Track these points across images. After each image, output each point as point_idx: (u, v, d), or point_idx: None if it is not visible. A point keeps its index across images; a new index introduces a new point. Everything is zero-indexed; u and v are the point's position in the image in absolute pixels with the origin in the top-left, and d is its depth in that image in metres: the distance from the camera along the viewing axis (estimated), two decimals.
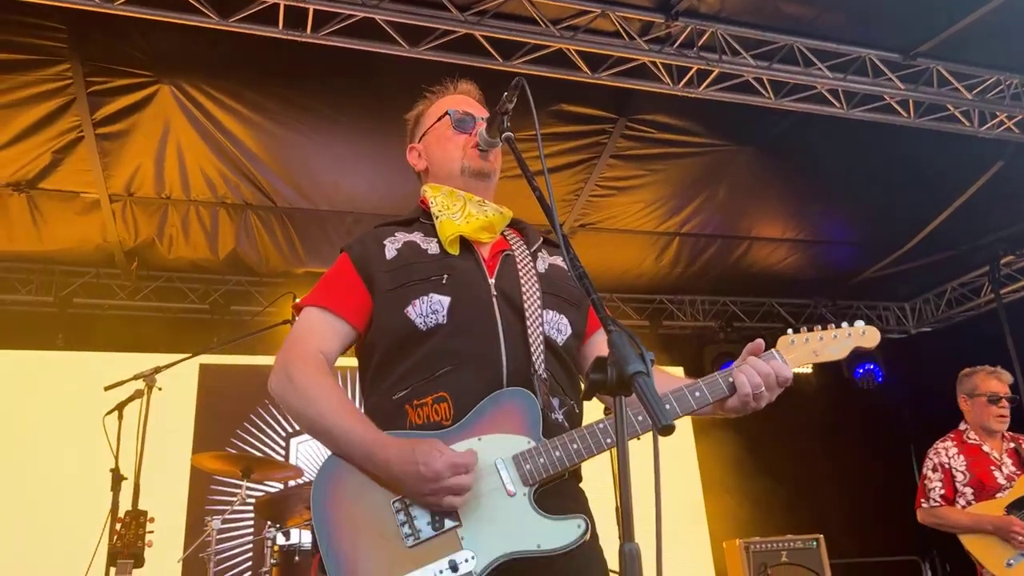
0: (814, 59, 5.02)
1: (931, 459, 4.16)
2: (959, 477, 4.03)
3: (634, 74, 4.92)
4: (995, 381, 4.16)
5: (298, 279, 6.68)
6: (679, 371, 7.82)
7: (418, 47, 4.47)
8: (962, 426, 4.22)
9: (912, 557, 7.59)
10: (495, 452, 1.64)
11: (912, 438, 8.26)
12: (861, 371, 8.32)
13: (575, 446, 1.64)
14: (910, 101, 5.39)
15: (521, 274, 1.86)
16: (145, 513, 3.67)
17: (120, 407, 4.31)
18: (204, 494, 6.18)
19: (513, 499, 1.61)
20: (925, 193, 6.49)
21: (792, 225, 6.98)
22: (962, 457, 4.07)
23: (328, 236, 6.31)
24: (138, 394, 4.31)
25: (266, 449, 6.54)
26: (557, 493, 1.68)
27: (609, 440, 1.65)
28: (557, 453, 1.63)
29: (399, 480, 1.59)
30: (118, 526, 3.63)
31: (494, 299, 1.80)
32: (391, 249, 1.87)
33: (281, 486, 5.66)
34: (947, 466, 4.08)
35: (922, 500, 4.13)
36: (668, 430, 1.09)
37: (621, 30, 4.69)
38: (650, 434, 1.64)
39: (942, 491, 4.03)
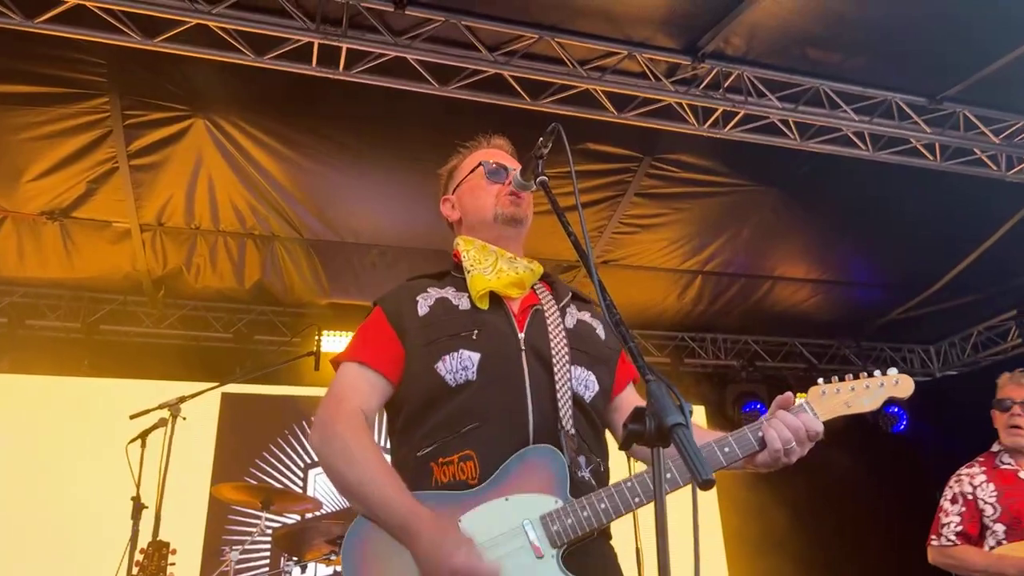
0: (840, 102, 5.04)
1: (951, 488, 3.49)
2: (988, 511, 3.33)
3: (660, 114, 4.96)
4: (1011, 386, 3.51)
5: (322, 310, 6.74)
6: (700, 410, 7.75)
7: (447, 86, 4.54)
8: (994, 447, 3.52)
9: None
10: (522, 513, 1.63)
11: (936, 484, 8.04)
12: (884, 415, 8.20)
13: (603, 505, 1.63)
14: (936, 145, 5.38)
15: (550, 329, 1.86)
16: (168, 544, 3.68)
17: (143, 435, 4.34)
18: (222, 524, 6.17)
19: (541, 561, 1.59)
20: (951, 236, 6.45)
21: (816, 266, 6.95)
22: (992, 486, 3.37)
23: (353, 269, 6.37)
24: (162, 423, 4.34)
25: (284, 480, 6.54)
26: (586, 552, 1.66)
27: (637, 499, 1.64)
28: (585, 513, 1.62)
29: (421, 559, 1.57)
30: (140, 557, 3.63)
31: (523, 354, 1.81)
32: (423, 305, 1.89)
33: (299, 518, 5.64)
34: (971, 497, 3.38)
35: (933, 537, 3.46)
36: (708, 485, 1.08)
37: (648, 71, 4.74)
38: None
39: (959, 527, 3.36)
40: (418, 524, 1.58)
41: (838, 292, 7.36)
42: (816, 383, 1.80)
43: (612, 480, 1.74)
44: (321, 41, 4.24)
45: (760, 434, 1.68)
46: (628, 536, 4.58)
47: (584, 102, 4.81)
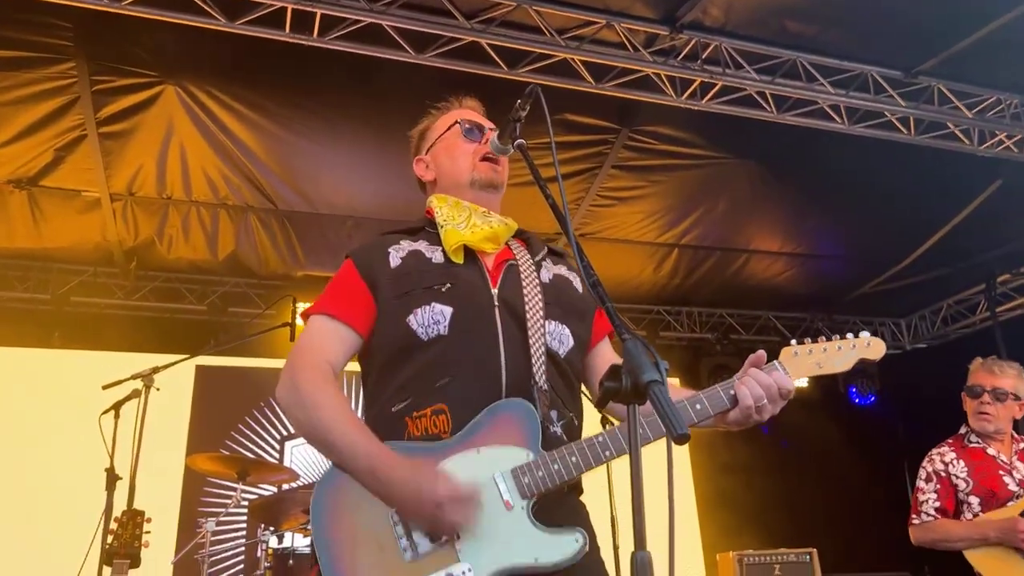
0: (817, 75, 5.05)
1: (924, 468, 3.54)
2: (961, 485, 3.40)
3: (638, 85, 4.94)
4: (982, 373, 3.57)
5: (297, 282, 6.69)
6: (675, 382, 7.81)
7: (424, 54, 4.48)
8: (962, 430, 3.61)
9: (903, 573, 7.59)
10: (494, 465, 1.63)
11: (906, 454, 8.27)
12: (856, 386, 8.34)
13: (574, 459, 1.63)
14: (911, 118, 5.42)
15: (524, 284, 1.85)
16: (142, 513, 3.65)
17: (116, 406, 4.29)
18: (197, 495, 6.15)
19: (511, 512, 1.59)
20: (923, 210, 6.52)
21: (790, 239, 7.01)
22: (962, 463, 3.45)
23: (328, 240, 6.32)
24: (135, 394, 4.29)
25: (260, 452, 6.53)
26: (557, 506, 1.67)
27: (608, 453, 1.64)
28: (556, 466, 1.62)
29: (398, 499, 1.58)
30: (114, 526, 3.60)
31: (496, 309, 1.79)
32: (395, 257, 1.87)
33: (275, 489, 5.65)
34: (944, 474, 3.45)
35: (913, 516, 3.48)
36: (683, 439, 1.09)
37: (626, 41, 4.71)
38: (651, 445, 1.66)
39: (937, 503, 3.41)
40: (388, 468, 1.59)
41: (812, 265, 7.43)
42: (789, 344, 1.80)
43: (585, 435, 1.74)
44: (294, 6, 4.16)
45: (732, 392, 1.69)
46: (603, 505, 4.63)
47: (562, 72, 4.77)
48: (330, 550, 1.59)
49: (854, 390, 8.33)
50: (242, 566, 6.04)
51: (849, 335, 1.83)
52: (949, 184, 6.19)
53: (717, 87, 4.98)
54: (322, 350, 1.79)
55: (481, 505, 1.58)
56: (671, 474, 1.09)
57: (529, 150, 1.82)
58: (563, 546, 1.58)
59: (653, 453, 1.63)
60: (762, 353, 1.73)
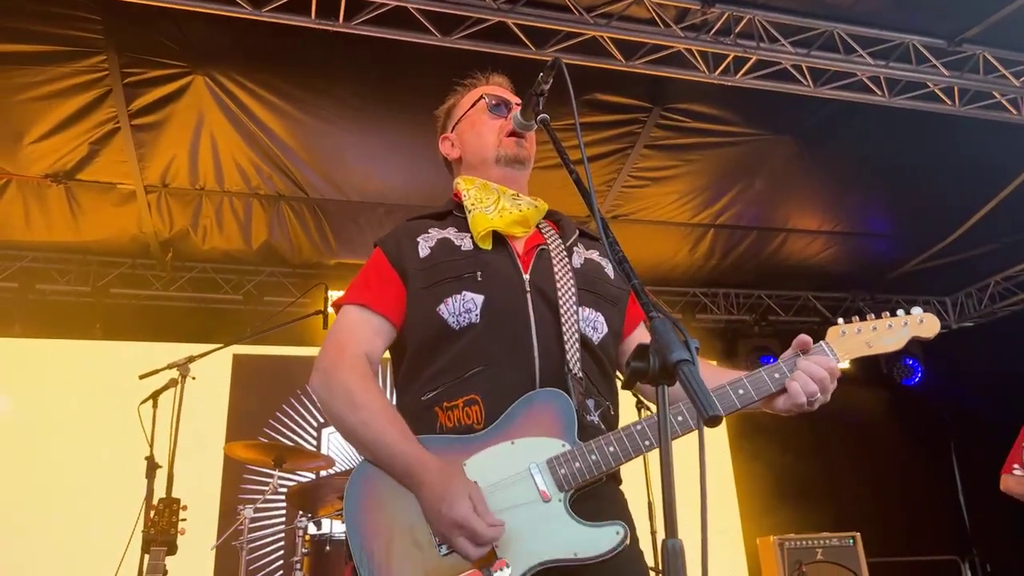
0: (855, 45, 4.89)
1: None
2: None
3: (669, 62, 4.83)
4: None
5: (330, 270, 6.72)
6: (712, 364, 7.72)
7: (450, 36, 4.43)
8: None
9: (951, 557, 7.42)
10: (529, 456, 1.59)
11: (952, 435, 8.08)
12: (899, 365, 8.14)
13: (611, 449, 1.58)
14: (955, 89, 5.23)
15: (556, 270, 1.80)
16: (178, 500, 3.70)
17: (155, 396, 4.35)
18: (237, 483, 6.23)
19: (548, 505, 1.55)
20: (968, 184, 6.30)
21: (830, 217, 6.83)
22: None
23: (360, 227, 6.32)
24: (172, 383, 4.34)
25: (298, 439, 6.59)
26: (595, 496, 1.63)
27: (647, 442, 1.59)
28: (593, 457, 1.58)
29: (426, 507, 1.55)
30: (152, 513, 3.65)
31: (528, 296, 1.75)
32: (424, 247, 1.83)
33: (313, 476, 5.69)
34: None
35: (1015, 466, 3.64)
36: (715, 421, 1.03)
37: (656, 17, 4.61)
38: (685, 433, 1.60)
39: None
40: (422, 472, 1.55)
41: (852, 244, 7.25)
42: (836, 323, 1.72)
43: (622, 424, 1.69)
44: None
45: (777, 375, 1.63)
46: (640, 490, 4.58)
47: (591, 50, 4.69)
48: (364, 545, 1.57)
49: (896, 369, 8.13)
50: (281, 552, 6.11)
51: (900, 312, 1.73)
52: (995, 156, 5.97)
53: (751, 62, 4.85)
54: (358, 342, 1.76)
55: (515, 484, 1.55)
56: (703, 457, 1.03)
57: (558, 131, 1.76)
58: (603, 539, 1.53)
59: (689, 437, 1.58)
60: (808, 337, 1.66)
